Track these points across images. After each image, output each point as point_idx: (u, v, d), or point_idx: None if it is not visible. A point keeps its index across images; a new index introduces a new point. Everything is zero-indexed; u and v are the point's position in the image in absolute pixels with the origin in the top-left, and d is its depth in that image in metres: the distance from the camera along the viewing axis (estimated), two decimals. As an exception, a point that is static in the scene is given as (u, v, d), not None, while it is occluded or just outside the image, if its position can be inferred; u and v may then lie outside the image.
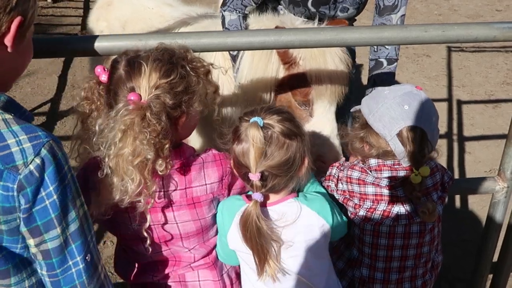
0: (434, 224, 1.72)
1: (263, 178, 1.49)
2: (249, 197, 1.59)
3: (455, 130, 4.77)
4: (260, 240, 1.49)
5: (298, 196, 1.63)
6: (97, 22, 3.32)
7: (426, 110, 1.61)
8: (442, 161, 4.25)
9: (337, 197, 1.78)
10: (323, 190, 1.77)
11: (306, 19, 2.37)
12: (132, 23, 3.05)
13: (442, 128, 4.78)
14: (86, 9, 8.17)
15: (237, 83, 2.22)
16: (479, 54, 6.42)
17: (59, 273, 1.22)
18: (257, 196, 1.50)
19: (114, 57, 1.59)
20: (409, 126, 1.58)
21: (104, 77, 1.56)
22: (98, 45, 1.56)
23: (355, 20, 2.57)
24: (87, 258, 1.27)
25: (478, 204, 3.69)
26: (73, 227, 1.22)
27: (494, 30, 1.60)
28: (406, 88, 1.65)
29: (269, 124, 1.48)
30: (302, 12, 2.35)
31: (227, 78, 2.28)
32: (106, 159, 1.43)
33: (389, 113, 1.60)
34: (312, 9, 2.31)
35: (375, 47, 2.29)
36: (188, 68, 1.51)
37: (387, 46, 2.27)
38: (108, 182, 1.45)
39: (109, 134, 1.42)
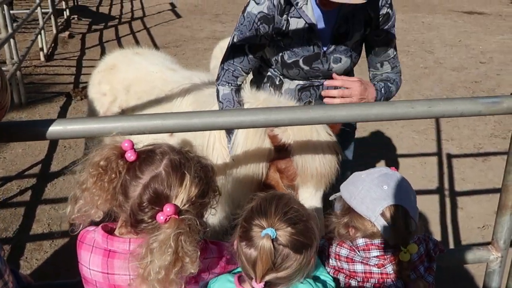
0: None
1: (266, 285, 1.44)
2: (240, 280, 1.58)
3: (446, 185, 4.79)
4: None
5: None
6: (99, 85, 3.37)
7: (404, 189, 1.67)
8: (435, 217, 4.25)
9: (328, 270, 1.76)
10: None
11: (301, 80, 2.42)
12: (136, 86, 3.13)
13: (433, 183, 4.81)
14: (79, 67, 8.32)
15: (232, 155, 2.23)
16: (466, 107, 6.54)
17: None
18: None
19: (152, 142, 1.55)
20: (391, 205, 1.63)
21: (132, 157, 1.47)
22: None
23: (359, 53, 2.49)
24: None
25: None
26: None
27: (479, 105, 1.64)
28: (382, 170, 1.73)
29: (281, 236, 1.42)
30: (297, 73, 2.39)
31: (221, 148, 2.30)
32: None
33: (369, 195, 1.66)
34: (305, 67, 2.34)
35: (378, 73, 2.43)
36: (213, 189, 1.53)
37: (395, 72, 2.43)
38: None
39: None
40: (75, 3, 13.70)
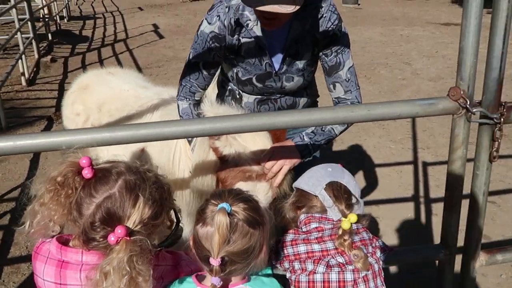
0: (369, 276, 1.75)
1: (222, 263, 1.51)
2: (198, 278, 1.63)
3: (421, 192, 4.86)
4: None
5: (249, 280, 1.66)
6: (73, 105, 3.43)
7: (346, 174, 1.87)
8: (410, 224, 4.31)
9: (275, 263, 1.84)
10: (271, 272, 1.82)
11: (257, 96, 2.49)
12: (108, 104, 3.20)
13: (409, 191, 4.88)
14: (61, 91, 8.37)
15: (189, 168, 2.30)
16: (442, 116, 6.66)
17: None
18: (215, 280, 1.52)
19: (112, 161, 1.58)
20: (334, 181, 1.82)
21: (88, 174, 1.50)
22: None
23: (312, 71, 2.52)
24: None
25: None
26: None
27: (416, 107, 1.71)
28: (328, 164, 1.93)
29: (235, 211, 1.51)
30: (251, 90, 2.46)
31: (187, 160, 2.36)
32: None
33: (315, 175, 1.87)
34: (259, 85, 2.41)
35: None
36: (167, 210, 1.59)
37: (348, 97, 2.37)
38: None
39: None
40: (58, 28, 13.79)
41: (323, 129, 2.35)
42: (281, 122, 1.67)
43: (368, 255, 1.76)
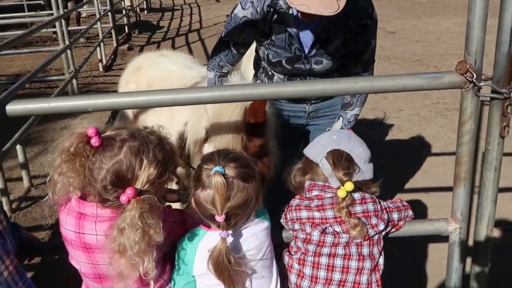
0: (363, 243, 1.82)
1: (227, 217, 1.67)
2: (206, 225, 1.78)
3: (476, 183, 4.70)
4: (231, 272, 1.67)
5: None
6: (127, 84, 3.78)
7: (353, 141, 1.90)
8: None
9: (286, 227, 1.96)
10: None
11: (287, 76, 2.61)
12: (157, 83, 3.46)
13: (464, 180, 4.74)
14: (134, 76, 8.86)
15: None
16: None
17: None
18: (224, 234, 1.67)
19: (115, 129, 1.76)
20: (336, 149, 1.87)
21: (96, 143, 1.67)
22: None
23: (342, 55, 2.59)
24: None
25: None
26: None
27: (421, 80, 1.74)
28: (336, 130, 1.99)
29: (229, 171, 1.67)
30: (281, 71, 2.58)
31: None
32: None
33: (320, 142, 1.93)
34: (288, 67, 2.52)
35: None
36: (171, 168, 1.75)
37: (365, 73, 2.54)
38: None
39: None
40: (138, 19, 14.50)
41: (349, 120, 2.51)
42: (286, 92, 1.76)
43: (368, 226, 1.82)
